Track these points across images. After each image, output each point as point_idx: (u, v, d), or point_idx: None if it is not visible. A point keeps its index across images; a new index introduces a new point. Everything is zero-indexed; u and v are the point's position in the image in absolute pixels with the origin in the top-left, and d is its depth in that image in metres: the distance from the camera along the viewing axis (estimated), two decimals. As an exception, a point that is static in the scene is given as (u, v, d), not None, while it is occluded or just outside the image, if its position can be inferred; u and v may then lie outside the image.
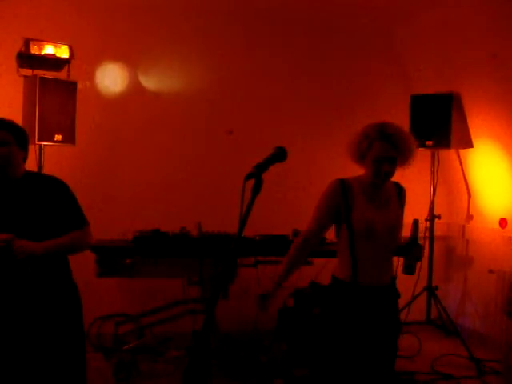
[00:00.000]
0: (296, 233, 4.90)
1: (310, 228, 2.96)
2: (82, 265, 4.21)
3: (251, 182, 2.01)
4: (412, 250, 2.93)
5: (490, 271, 5.37)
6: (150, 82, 5.68)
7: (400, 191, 3.02)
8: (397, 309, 3.06)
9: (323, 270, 4.98)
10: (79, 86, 5.01)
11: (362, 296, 2.87)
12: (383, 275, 2.92)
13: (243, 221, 1.90)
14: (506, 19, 4.70)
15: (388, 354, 2.98)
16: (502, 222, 5.38)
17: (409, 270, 2.94)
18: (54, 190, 3.04)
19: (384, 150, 2.80)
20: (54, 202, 3.01)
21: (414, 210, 5.69)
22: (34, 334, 2.93)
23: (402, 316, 5.53)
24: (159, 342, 5.00)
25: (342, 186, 2.93)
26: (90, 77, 5.45)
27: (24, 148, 3.05)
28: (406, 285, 5.62)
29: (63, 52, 4.96)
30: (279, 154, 2.13)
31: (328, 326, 2.95)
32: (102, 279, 4.58)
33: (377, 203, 2.91)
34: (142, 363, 4.75)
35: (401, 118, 5.58)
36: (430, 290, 5.76)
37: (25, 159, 3.08)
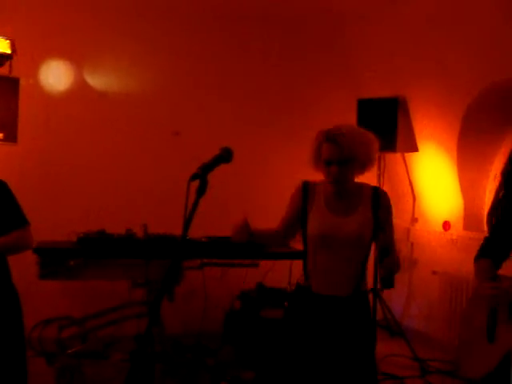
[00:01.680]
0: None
1: (280, 225, 2.90)
2: (24, 267, 4.10)
3: (197, 183, 1.99)
4: (383, 262, 2.68)
5: (434, 273, 5.47)
6: (96, 81, 5.59)
7: (377, 197, 2.84)
8: (361, 321, 2.84)
9: (270, 272, 5.01)
10: (22, 82, 4.89)
11: (314, 303, 2.81)
12: (342, 285, 2.78)
13: (187, 222, 1.88)
14: (452, 24, 4.80)
15: (350, 367, 2.78)
16: (446, 225, 5.49)
17: (385, 283, 2.69)
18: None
19: (330, 152, 2.71)
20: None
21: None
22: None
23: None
24: (104, 346, 4.91)
25: (304, 189, 2.87)
26: (34, 73, 5.32)
27: None
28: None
29: (5, 47, 4.82)
30: (225, 155, 2.12)
31: (281, 329, 2.93)
32: (45, 281, 4.48)
33: (338, 210, 2.80)
34: (86, 367, 4.66)
35: (348, 122, 5.64)
36: (375, 292, 5.81)
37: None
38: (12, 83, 4.78)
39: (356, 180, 2.85)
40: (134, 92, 5.66)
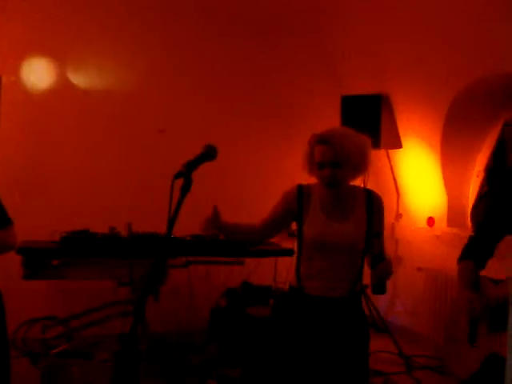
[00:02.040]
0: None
1: (261, 223, 2.88)
2: (7, 267, 4.08)
3: (181, 181, 1.98)
4: (376, 267, 2.66)
5: (419, 269, 5.50)
6: (79, 79, 5.55)
7: (371, 200, 2.82)
8: (355, 322, 2.83)
9: (255, 270, 5.01)
10: (4, 80, 4.84)
11: (307, 304, 2.79)
12: (337, 289, 2.77)
13: (172, 221, 1.87)
14: (435, 20, 4.82)
15: (344, 369, 2.76)
16: (430, 221, 5.52)
17: (376, 289, 2.68)
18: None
19: (323, 154, 2.68)
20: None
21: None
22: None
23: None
24: (89, 346, 4.89)
25: (299, 193, 2.82)
26: (16, 71, 5.27)
27: None
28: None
29: (-14, 45, 4.78)
30: (209, 153, 2.11)
31: (270, 329, 2.91)
32: (29, 281, 4.45)
33: (334, 215, 2.76)
34: (71, 367, 4.63)
35: (332, 118, 5.67)
36: (361, 289, 5.84)
37: None
38: (-6, 81, 4.73)
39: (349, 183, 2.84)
40: (118, 90, 5.62)
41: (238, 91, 5.93)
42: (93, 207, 5.25)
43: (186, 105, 5.77)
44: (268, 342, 2.88)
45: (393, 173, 6.04)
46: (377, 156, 6.02)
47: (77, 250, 4.45)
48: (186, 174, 1.91)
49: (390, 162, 6.03)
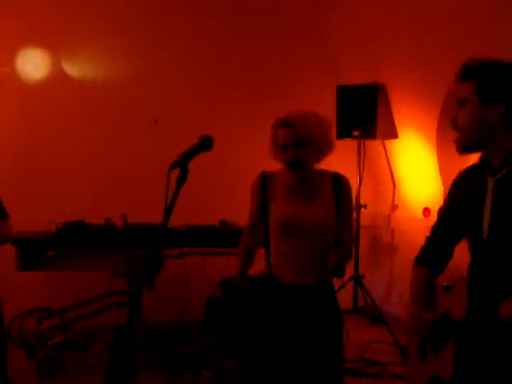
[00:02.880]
0: (223, 223, 4.88)
1: (250, 223, 2.93)
2: (2, 258, 4.07)
3: (177, 171, 1.97)
4: (336, 250, 2.65)
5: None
6: (73, 70, 5.52)
7: (338, 183, 2.84)
8: (327, 311, 2.83)
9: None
10: (-2, 71, 4.82)
11: (280, 293, 2.80)
12: (306, 274, 2.77)
13: (168, 211, 1.85)
14: (431, 9, 4.80)
15: (317, 356, 2.76)
16: (426, 212, 5.52)
17: (335, 272, 2.68)
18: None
19: (285, 136, 2.73)
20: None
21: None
22: None
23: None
24: (85, 337, 4.89)
25: (263, 180, 2.86)
26: (10, 63, 5.25)
27: None
28: (333, 274, 5.72)
29: (-21, 36, 4.75)
30: (205, 143, 2.09)
31: (247, 319, 2.91)
32: (24, 273, 4.45)
33: (301, 198, 2.79)
34: (67, 359, 4.64)
35: (328, 109, 5.64)
36: (357, 279, 5.85)
37: None
38: (-13, 72, 4.71)
39: (317, 167, 2.85)
40: (112, 80, 5.60)
41: (233, 82, 5.90)
42: (88, 198, 5.24)
43: (181, 95, 5.74)
44: (245, 334, 2.90)
45: (389, 163, 6.04)
46: (373, 146, 6.02)
47: (72, 241, 4.45)
48: (182, 164, 1.90)
49: (385, 152, 6.02)
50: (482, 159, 2.15)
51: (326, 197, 2.80)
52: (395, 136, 5.72)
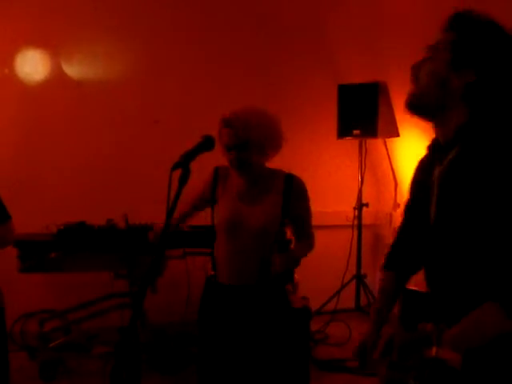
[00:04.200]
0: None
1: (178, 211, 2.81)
2: (3, 260, 4.05)
3: (179, 171, 1.96)
4: (278, 257, 2.59)
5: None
6: (72, 70, 5.50)
7: (289, 185, 2.74)
8: (268, 311, 2.75)
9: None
10: (-3, 73, 4.81)
11: (220, 293, 2.78)
12: (243, 275, 2.72)
13: (170, 212, 1.84)
14: (432, 8, 4.78)
15: (263, 355, 2.72)
16: (428, 210, 5.50)
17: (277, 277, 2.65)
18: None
19: (226, 137, 2.67)
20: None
21: (343, 199, 5.82)
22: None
23: (331, 305, 5.65)
24: (87, 339, 4.88)
25: (215, 176, 2.83)
26: (9, 63, 5.23)
27: None
28: (336, 273, 5.71)
29: (-22, 37, 4.74)
30: (207, 143, 2.08)
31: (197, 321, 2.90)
32: (25, 275, 4.43)
33: (247, 198, 2.74)
34: (70, 361, 4.63)
35: (329, 107, 5.64)
36: (359, 278, 5.84)
37: None
38: (-13, 73, 4.69)
39: (271, 166, 2.80)
40: (112, 80, 5.58)
41: (235, 82, 5.89)
42: (89, 199, 5.22)
43: (182, 95, 5.72)
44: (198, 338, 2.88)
45: (390, 162, 6.02)
46: (374, 145, 6.01)
47: (73, 243, 4.44)
48: (183, 164, 1.89)
49: (387, 150, 6.01)
50: (432, 141, 1.88)
51: (273, 198, 2.73)
52: (397, 134, 5.70)
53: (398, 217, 5.97)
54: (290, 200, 2.72)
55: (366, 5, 5.44)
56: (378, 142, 5.95)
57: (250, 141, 2.64)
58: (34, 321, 4.92)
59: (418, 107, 1.81)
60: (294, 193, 2.73)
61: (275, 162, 2.85)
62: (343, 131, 5.64)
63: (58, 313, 4.88)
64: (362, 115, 5.57)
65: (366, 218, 5.99)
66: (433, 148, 1.84)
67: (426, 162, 1.90)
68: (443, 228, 1.72)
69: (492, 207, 1.56)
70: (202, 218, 4.79)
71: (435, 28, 4.96)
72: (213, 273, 2.80)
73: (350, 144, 5.80)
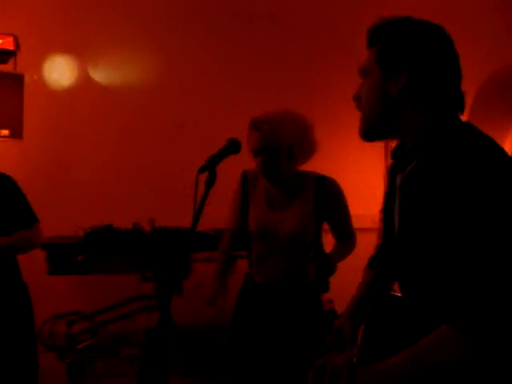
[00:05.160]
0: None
1: (229, 226, 2.87)
2: (33, 263, 4.11)
3: (205, 175, 1.97)
4: (314, 263, 2.53)
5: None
6: (99, 75, 5.57)
7: (321, 187, 2.66)
8: (301, 314, 2.69)
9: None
10: (26, 78, 4.87)
11: (257, 293, 2.75)
12: (279, 278, 2.68)
13: (197, 215, 1.85)
14: (458, 9, 4.76)
15: (292, 358, 2.65)
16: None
17: (316, 286, 2.60)
18: (1, 187, 2.96)
19: (254, 141, 2.58)
20: (1, 199, 2.93)
21: (369, 202, 5.79)
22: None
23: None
24: (114, 341, 4.92)
25: (244, 180, 2.77)
26: (38, 69, 5.30)
27: None
28: (361, 276, 5.68)
29: (8, 44, 4.80)
30: (233, 146, 2.08)
31: (232, 320, 2.87)
32: (54, 277, 4.49)
33: (276, 203, 2.67)
34: (97, 362, 4.67)
35: (352, 106, 5.61)
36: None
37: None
38: (16, 79, 4.75)
39: (303, 168, 2.73)
40: (138, 85, 5.63)
41: (260, 84, 5.89)
42: (115, 203, 5.26)
43: (207, 98, 5.74)
44: (232, 331, 2.85)
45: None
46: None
47: (101, 246, 4.48)
48: (210, 167, 1.90)
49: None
50: (395, 146, 1.72)
51: (304, 202, 2.64)
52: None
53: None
54: (323, 203, 2.64)
55: (394, 8, 5.41)
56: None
57: (278, 145, 2.55)
58: (62, 322, 4.97)
59: (370, 134, 1.67)
60: (326, 195, 2.65)
61: (302, 165, 2.83)
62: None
63: (86, 315, 4.92)
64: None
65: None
66: (395, 153, 1.69)
67: (392, 167, 1.77)
68: (404, 241, 1.61)
69: (446, 224, 1.45)
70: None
71: (461, 31, 4.92)
72: (250, 275, 2.79)
73: (375, 146, 5.77)
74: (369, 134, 1.67)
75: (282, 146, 2.56)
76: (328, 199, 2.65)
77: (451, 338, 1.39)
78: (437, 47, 1.58)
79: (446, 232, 1.45)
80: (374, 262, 2.11)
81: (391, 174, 1.75)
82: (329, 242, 2.84)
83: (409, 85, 1.56)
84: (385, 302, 1.81)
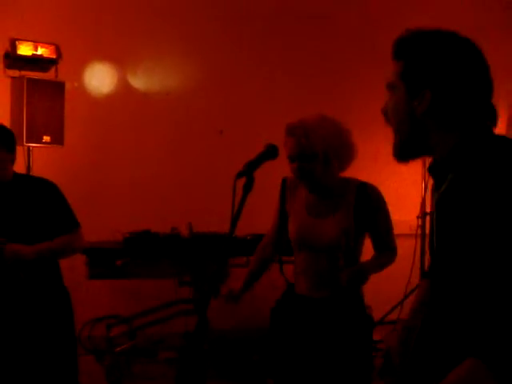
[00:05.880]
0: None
1: (269, 238, 2.84)
2: (73, 267, 4.19)
3: (242, 180, 1.98)
4: (344, 272, 2.47)
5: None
6: (138, 82, 5.65)
7: (363, 196, 2.58)
8: (342, 323, 2.61)
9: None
10: (67, 86, 4.95)
11: (297, 304, 2.71)
12: (318, 288, 2.62)
13: (235, 220, 1.86)
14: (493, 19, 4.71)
15: (335, 367, 2.60)
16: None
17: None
18: (44, 193, 3.02)
19: (289, 147, 2.54)
20: (44, 204, 2.99)
21: (406, 207, 5.74)
22: (25, 338, 2.91)
23: (394, 315, 5.58)
24: (151, 344, 4.96)
25: (283, 188, 2.75)
26: (78, 77, 5.40)
27: (12, 151, 3.03)
28: (399, 283, 5.63)
29: (51, 52, 4.90)
30: (270, 152, 2.09)
31: (270, 328, 2.85)
32: (93, 281, 4.55)
33: (316, 211, 2.62)
34: (135, 365, 4.72)
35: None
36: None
37: (13, 161, 3.06)
38: (58, 87, 4.83)
39: (345, 175, 2.68)
40: (177, 91, 5.69)
41: (299, 90, 5.90)
42: (154, 208, 5.32)
43: (246, 104, 5.77)
44: (269, 340, 2.83)
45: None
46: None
47: (139, 250, 4.53)
48: (247, 173, 1.91)
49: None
50: (431, 163, 1.65)
51: (344, 210, 2.58)
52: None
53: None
54: (363, 211, 2.57)
55: (423, 8, 5.38)
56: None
57: (313, 151, 2.51)
58: (101, 326, 5.03)
59: (403, 152, 1.62)
60: (368, 203, 2.58)
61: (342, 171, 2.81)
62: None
63: (124, 318, 4.97)
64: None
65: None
66: (430, 171, 1.63)
67: (432, 184, 1.69)
68: (439, 261, 1.57)
69: (478, 249, 1.37)
70: (264, 227, 4.85)
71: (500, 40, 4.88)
72: (291, 283, 2.76)
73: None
74: (401, 154, 1.62)
75: (317, 152, 2.52)
76: (369, 207, 2.58)
77: (481, 375, 1.32)
78: (464, 62, 1.49)
79: (477, 259, 1.38)
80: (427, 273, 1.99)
81: (432, 191, 1.67)
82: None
83: (433, 105, 1.49)
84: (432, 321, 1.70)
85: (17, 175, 3.09)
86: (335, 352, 2.61)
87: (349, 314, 2.62)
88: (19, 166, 3.39)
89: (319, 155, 2.52)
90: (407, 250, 5.66)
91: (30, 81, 4.68)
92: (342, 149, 2.58)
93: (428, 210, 5.77)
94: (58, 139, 4.81)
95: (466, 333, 1.43)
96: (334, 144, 2.55)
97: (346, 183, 2.64)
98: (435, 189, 1.60)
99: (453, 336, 1.50)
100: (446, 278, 1.51)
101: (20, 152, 3.34)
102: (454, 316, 1.50)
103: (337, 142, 2.56)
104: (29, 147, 4.76)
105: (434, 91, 1.48)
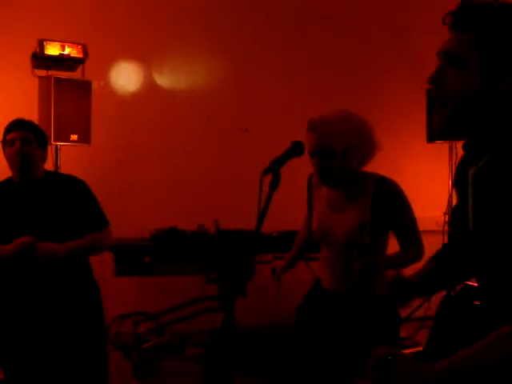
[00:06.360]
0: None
1: (305, 227, 2.91)
2: (101, 264, 4.23)
3: (268, 177, 1.99)
4: (356, 263, 2.35)
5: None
6: (164, 80, 5.68)
7: (380, 189, 2.57)
8: (364, 322, 2.60)
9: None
10: (94, 85, 4.99)
11: (322, 298, 2.74)
12: (339, 282, 2.65)
13: (261, 217, 1.86)
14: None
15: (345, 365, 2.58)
16: None
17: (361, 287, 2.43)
18: (74, 190, 3.06)
19: (310, 143, 2.54)
20: (74, 202, 3.03)
21: (433, 204, 5.70)
22: (58, 334, 2.96)
23: (421, 312, 5.53)
24: (179, 340, 4.99)
25: (309, 183, 2.79)
26: (105, 76, 5.46)
27: (44, 148, 3.08)
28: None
29: (78, 52, 4.95)
30: (296, 149, 2.09)
31: (297, 323, 2.88)
32: (121, 278, 4.59)
33: (336, 205, 2.63)
34: (162, 361, 4.75)
35: (417, 113, 5.54)
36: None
37: (44, 159, 3.11)
38: (84, 86, 4.87)
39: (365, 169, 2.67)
40: (202, 89, 5.71)
41: (323, 87, 5.88)
42: (180, 205, 5.34)
43: (271, 102, 5.77)
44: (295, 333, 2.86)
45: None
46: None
47: (166, 248, 4.56)
48: (274, 169, 1.91)
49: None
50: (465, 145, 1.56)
51: (362, 205, 2.57)
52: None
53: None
54: (381, 206, 2.55)
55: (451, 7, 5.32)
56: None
57: (331, 148, 2.51)
58: (128, 322, 5.08)
59: (451, 128, 1.50)
60: (386, 198, 2.56)
61: (372, 165, 2.81)
62: (433, 135, 5.53)
63: (152, 315, 5.01)
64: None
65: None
66: (466, 147, 1.54)
67: (463, 160, 1.63)
68: (479, 235, 1.50)
69: None
70: (290, 223, 4.85)
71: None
72: (318, 278, 2.79)
73: (439, 148, 5.67)
74: (449, 130, 1.51)
75: (335, 149, 2.52)
76: (388, 202, 2.56)
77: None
78: None
79: None
80: (439, 255, 2.03)
81: (462, 167, 1.61)
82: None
83: None
84: (456, 302, 1.70)
85: (48, 173, 3.14)
86: (361, 349, 2.59)
87: (375, 310, 2.58)
88: (48, 165, 3.43)
89: (338, 152, 2.53)
90: (434, 247, 5.60)
91: (58, 80, 4.73)
92: (361, 145, 2.57)
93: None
94: (85, 138, 4.85)
95: (507, 306, 1.38)
96: (354, 140, 2.54)
97: (366, 177, 2.64)
98: (469, 164, 1.54)
99: (492, 309, 1.46)
100: (489, 249, 1.45)
101: (48, 151, 3.38)
102: (494, 289, 1.46)
103: (356, 139, 2.54)
104: (56, 146, 4.81)
105: None
